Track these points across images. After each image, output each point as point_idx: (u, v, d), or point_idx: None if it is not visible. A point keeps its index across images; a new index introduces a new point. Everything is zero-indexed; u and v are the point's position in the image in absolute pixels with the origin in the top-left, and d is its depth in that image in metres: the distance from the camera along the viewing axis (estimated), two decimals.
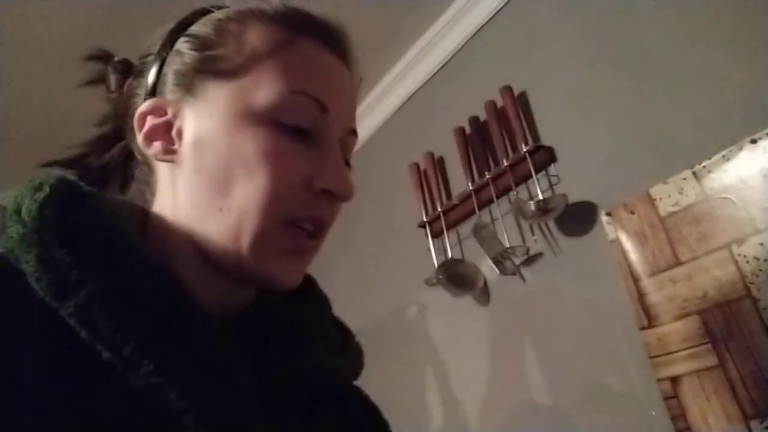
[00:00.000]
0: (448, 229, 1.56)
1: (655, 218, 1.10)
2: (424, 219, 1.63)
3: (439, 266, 1.51)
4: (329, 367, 0.53)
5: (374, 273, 1.91)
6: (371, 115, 1.99)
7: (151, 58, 0.52)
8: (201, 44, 0.50)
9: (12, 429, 0.33)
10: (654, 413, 1.06)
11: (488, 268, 1.45)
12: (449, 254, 1.53)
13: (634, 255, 1.13)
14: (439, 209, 1.59)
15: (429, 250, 1.59)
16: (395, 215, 1.84)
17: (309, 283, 0.62)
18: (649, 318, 1.08)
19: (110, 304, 0.38)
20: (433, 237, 1.60)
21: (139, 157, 0.54)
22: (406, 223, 1.74)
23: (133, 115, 0.51)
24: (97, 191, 0.47)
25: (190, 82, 0.49)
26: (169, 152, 0.49)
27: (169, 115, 0.50)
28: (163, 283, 0.42)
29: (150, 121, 0.50)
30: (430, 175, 1.66)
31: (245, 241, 0.45)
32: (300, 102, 0.47)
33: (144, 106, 0.50)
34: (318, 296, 0.62)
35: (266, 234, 0.45)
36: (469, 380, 1.50)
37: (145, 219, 0.50)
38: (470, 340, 1.50)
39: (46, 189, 0.42)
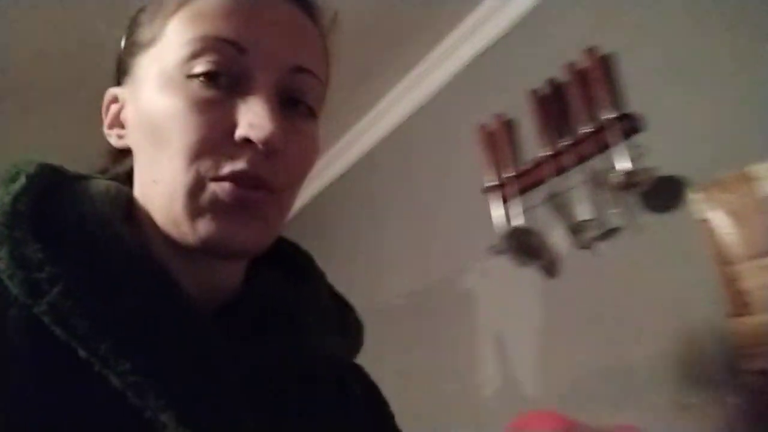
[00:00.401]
0: (515, 196, 1.50)
1: (755, 199, 1.02)
2: (490, 183, 1.57)
3: (505, 234, 1.46)
4: (326, 349, 0.52)
5: (433, 234, 1.87)
6: (435, 73, 1.91)
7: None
8: (134, 24, 0.49)
9: None
10: (731, 400, 1.01)
11: (558, 240, 1.40)
12: (516, 221, 1.47)
13: (727, 237, 1.05)
14: (507, 174, 1.53)
15: (493, 216, 1.54)
16: (457, 178, 1.79)
17: (305, 260, 0.60)
18: (739, 305, 1.02)
19: (86, 301, 0.37)
20: (497, 202, 1.55)
21: None
22: (468, 187, 1.68)
23: None
24: (83, 175, 0.48)
25: (128, 64, 0.49)
26: (122, 137, 0.49)
27: (120, 102, 0.50)
28: (145, 273, 0.41)
29: (109, 111, 0.51)
30: (499, 137, 1.59)
31: (178, 207, 0.42)
32: (209, 47, 0.43)
33: (105, 98, 0.51)
34: (315, 274, 0.59)
35: (194, 194, 0.42)
36: (528, 351, 1.47)
37: (131, 203, 0.48)
38: (532, 312, 1.46)
39: (23, 179, 0.41)
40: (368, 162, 2.20)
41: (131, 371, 0.36)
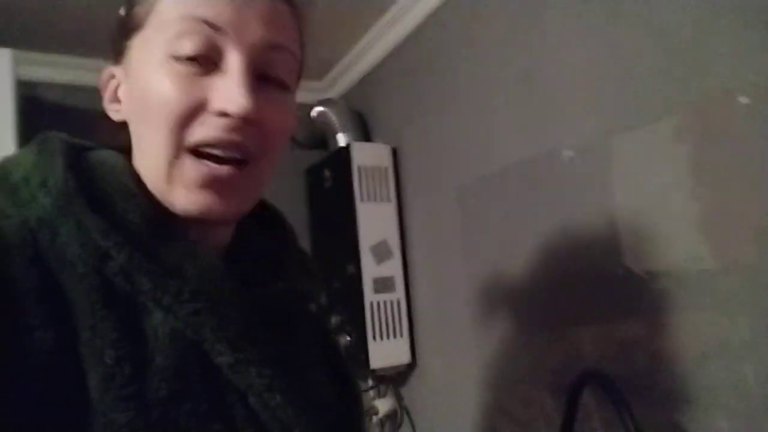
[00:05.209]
0: None
1: None
2: None
3: None
4: (302, 288, 0.61)
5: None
6: None
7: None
8: (128, 6, 0.52)
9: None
10: None
11: None
12: None
13: None
14: None
15: None
16: None
17: (278, 217, 0.67)
18: None
19: (146, 262, 0.45)
20: None
21: None
22: None
23: None
24: (87, 145, 0.54)
25: (121, 45, 0.53)
26: (119, 112, 0.54)
27: (116, 80, 0.55)
28: (177, 235, 0.49)
29: (108, 87, 0.55)
30: None
31: (160, 178, 0.49)
32: (188, 27, 0.47)
33: (102, 75, 0.55)
34: (287, 227, 0.67)
35: (174, 166, 0.48)
36: None
37: (134, 172, 0.53)
38: None
39: (59, 159, 0.48)
40: None
41: (192, 314, 0.46)
